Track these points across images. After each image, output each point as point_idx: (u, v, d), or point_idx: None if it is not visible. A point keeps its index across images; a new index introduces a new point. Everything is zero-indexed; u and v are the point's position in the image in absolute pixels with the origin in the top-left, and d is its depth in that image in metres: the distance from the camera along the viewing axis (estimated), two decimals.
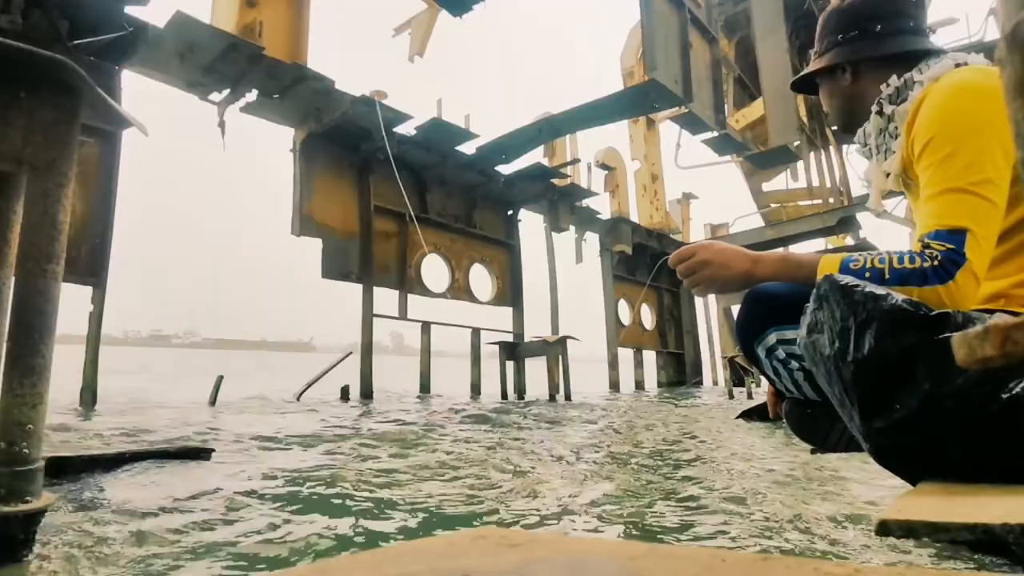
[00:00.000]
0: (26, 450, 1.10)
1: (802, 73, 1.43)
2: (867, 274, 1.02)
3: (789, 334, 1.18)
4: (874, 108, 1.26)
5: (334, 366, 6.88)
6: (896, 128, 1.21)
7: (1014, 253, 1.08)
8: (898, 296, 0.94)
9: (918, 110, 1.12)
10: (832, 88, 1.37)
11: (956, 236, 0.98)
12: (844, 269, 1.05)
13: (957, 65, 1.16)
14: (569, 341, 7.03)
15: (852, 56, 1.30)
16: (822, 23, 1.38)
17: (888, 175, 1.22)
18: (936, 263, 0.97)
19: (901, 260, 1.01)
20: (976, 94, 1.05)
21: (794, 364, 1.22)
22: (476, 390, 7.84)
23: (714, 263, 1.21)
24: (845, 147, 12.37)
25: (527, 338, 8.31)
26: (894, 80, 1.22)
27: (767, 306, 1.23)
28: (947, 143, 1.03)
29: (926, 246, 1.01)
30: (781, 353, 1.23)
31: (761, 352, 1.26)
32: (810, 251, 1.46)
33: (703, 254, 1.21)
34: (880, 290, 0.96)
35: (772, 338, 1.23)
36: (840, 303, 0.98)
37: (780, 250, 1.18)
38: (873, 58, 1.28)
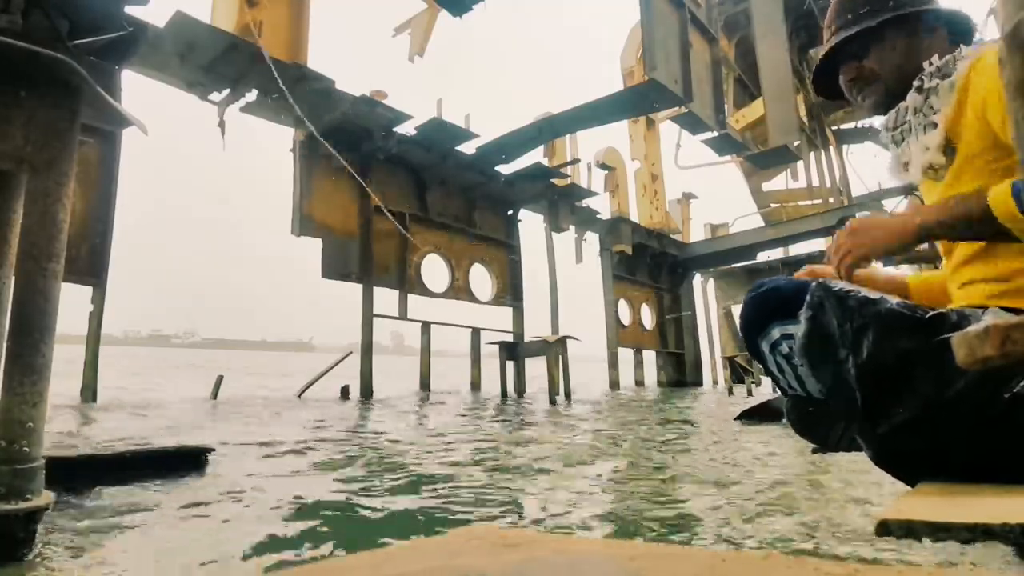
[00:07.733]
0: (26, 448, 1.10)
1: (866, 24, 1.28)
2: None
3: (793, 329, 1.18)
4: (915, 83, 1.22)
5: (334, 366, 6.88)
6: (934, 103, 1.18)
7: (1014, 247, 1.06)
8: (892, 300, 0.94)
9: (968, 75, 1.10)
10: (890, 50, 1.27)
11: None
12: (1017, 197, 0.93)
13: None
14: (569, 341, 7.02)
15: (922, 7, 1.23)
16: None
17: (928, 148, 1.19)
18: None
19: None
20: None
21: (797, 360, 1.21)
22: (476, 387, 7.87)
23: (864, 224, 1.15)
24: (845, 147, 12.35)
25: (527, 338, 8.31)
26: (936, 59, 1.20)
27: (771, 301, 1.22)
28: None
29: None
30: (785, 348, 1.22)
31: (765, 348, 1.25)
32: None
33: (849, 225, 1.17)
34: (874, 295, 0.96)
35: (776, 333, 1.22)
36: (835, 310, 0.98)
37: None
38: (943, 18, 1.24)
